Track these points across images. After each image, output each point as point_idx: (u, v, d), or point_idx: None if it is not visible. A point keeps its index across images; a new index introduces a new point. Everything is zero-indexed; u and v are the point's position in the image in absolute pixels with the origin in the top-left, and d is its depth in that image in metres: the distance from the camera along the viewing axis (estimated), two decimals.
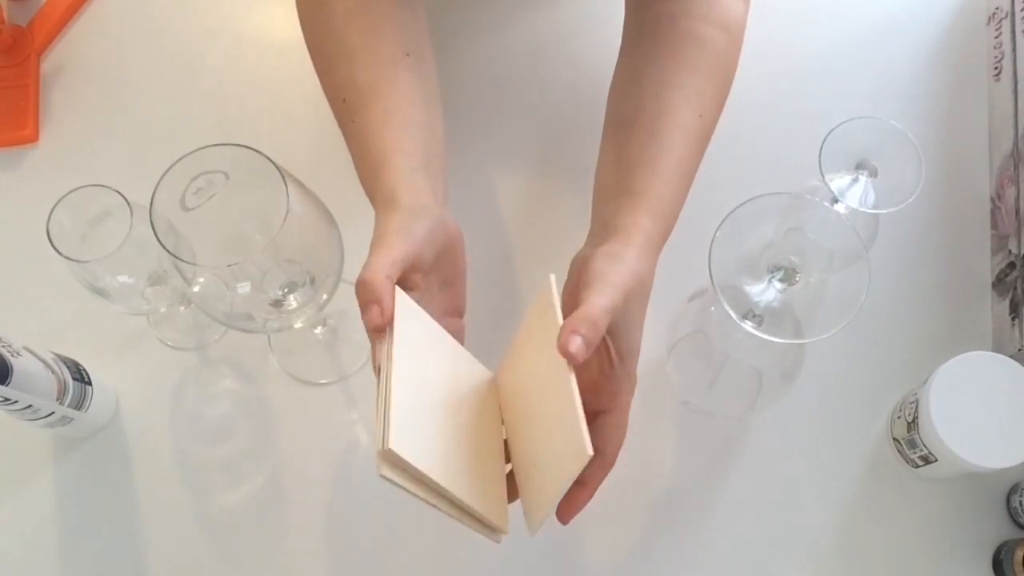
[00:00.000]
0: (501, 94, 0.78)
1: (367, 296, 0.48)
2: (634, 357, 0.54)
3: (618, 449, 0.53)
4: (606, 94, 0.64)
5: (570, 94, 0.78)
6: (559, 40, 0.80)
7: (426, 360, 0.51)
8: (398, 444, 0.43)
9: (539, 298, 0.54)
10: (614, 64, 0.64)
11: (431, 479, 0.45)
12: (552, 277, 0.54)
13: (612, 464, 0.53)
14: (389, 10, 0.60)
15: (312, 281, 0.55)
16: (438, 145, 0.59)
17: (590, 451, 0.45)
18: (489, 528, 0.51)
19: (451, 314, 0.57)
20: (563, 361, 0.48)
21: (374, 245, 0.50)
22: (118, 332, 0.70)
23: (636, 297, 0.53)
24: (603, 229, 0.57)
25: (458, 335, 0.56)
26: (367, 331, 0.48)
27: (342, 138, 0.77)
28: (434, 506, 0.47)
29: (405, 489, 0.45)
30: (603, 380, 0.54)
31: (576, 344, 0.47)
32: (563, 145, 0.76)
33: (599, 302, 0.49)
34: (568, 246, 0.58)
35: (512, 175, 0.75)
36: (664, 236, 0.58)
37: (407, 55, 0.59)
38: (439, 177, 0.57)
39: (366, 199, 0.57)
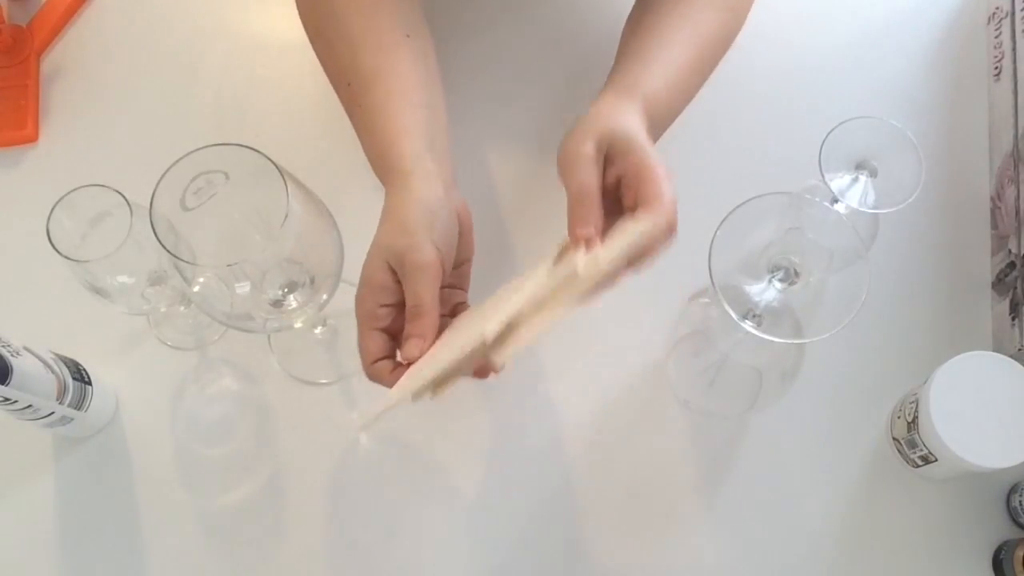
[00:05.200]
0: (499, 80, 0.78)
1: (420, 331, 0.53)
2: (656, 169, 0.53)
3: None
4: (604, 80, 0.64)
5: (568, 81, 0.78)
6: (558, 27, 0.80)
7: (456, 327, 0.55)
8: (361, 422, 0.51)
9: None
10: (613, 52, 0.65)
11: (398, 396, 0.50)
12: None
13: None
14: None
15: (312, 281, 0.55)
16: (441, 124, 0.61)
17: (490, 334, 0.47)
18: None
19: (457, 287, 0.59)
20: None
21: (410, 260, 0.53)
22: (118, 332, 0.70)
23: (617, 123, 0.54)
24: None
25: (460, 308, 0.59)
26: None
27: (342, 138, 0.77)
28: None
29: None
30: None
31: (585, 230, 0.51)
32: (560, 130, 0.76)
33: (573, 180, 0.53)
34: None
35: (510, 159, 0.76)
36: (647, 103, 0.58)
37: (408, 36, 0.61)
38: (445, 156, 0.59)
39: (366, 199, 0.58)
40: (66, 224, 0.57)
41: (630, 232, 0.51)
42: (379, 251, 0.54)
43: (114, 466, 0.66)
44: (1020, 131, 0.69)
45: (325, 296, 0.56)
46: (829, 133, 0.61)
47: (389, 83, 0.59)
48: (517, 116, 0.77)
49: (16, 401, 0.56)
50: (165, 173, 0.49)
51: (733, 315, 0.53)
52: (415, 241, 0.53)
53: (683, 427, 0.67)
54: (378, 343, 0.54)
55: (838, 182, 0.62)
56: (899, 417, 0.64)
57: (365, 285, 0.54)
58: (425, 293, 0.53)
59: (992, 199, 0.73)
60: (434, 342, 0.53)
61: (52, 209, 0.56)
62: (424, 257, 0.53)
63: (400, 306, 0.54)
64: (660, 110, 0.59)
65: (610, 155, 0.54)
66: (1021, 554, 0.60)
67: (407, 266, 0.53)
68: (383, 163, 0.58)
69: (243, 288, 0.53)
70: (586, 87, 0.66)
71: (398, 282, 0.54)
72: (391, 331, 0.55)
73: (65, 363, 0.61)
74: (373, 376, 0.55)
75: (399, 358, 0.54)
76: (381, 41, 0.60)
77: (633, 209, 0.52)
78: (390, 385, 0.53)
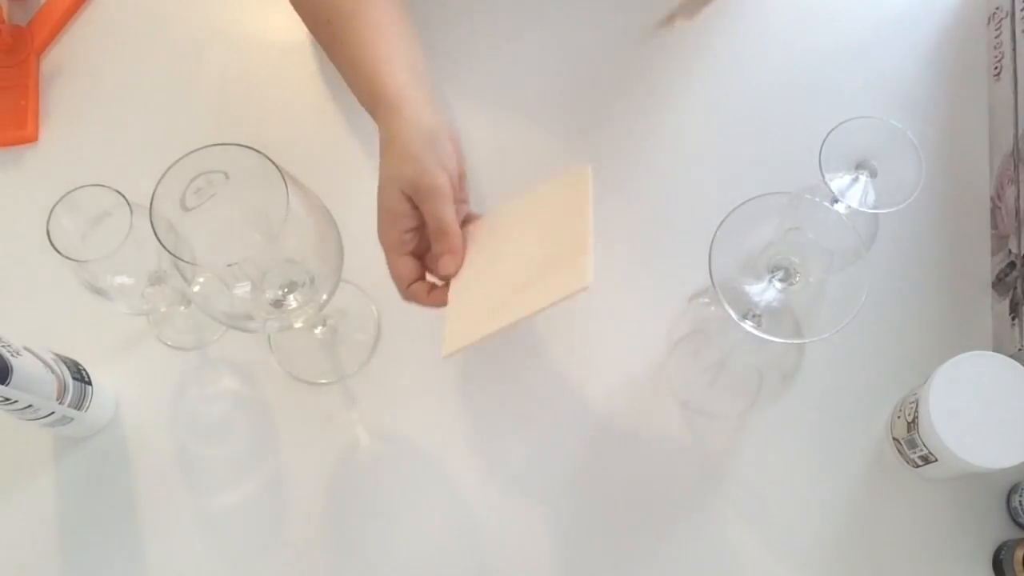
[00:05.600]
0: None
1: (449, 247, 0.58)
2: None
3: None
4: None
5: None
6: None
7: (491, 241, 0.60)
8: (445, 351, 0.55)
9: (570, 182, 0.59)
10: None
11: (488, 334, 0.54)
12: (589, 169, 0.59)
13: None
14: None
15: (312, 281, 0.55)
16: (419, 49, 0.64)
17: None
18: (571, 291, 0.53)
19: (461, 201, 0.62)
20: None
21: (425, 185, 0.57)
22: (118, 332, 0.70)
23: None
24: None
25: (471, 218, 0.62)
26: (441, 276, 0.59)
27: (342, 138, 0.77)
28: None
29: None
30: None
31: None
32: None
33: None
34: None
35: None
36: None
37: None
38: (426, 80, 0.62)
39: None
40: (66, 224, 0.57)
41: None
42: (392, 182, 0.58)
43: (114, 466, 0.66)
44: (1020, 131, 0.69)
45: (325, 296, 0.56)
46: (829, 133, 0.61)
47: (368, 17, 0.61)
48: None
49: (16, 401, 0.56)
50: (165, 173, 0.49)
51: (733, 315, 0.53)
52: (424, 166, 0.57)
53: (683, 427, 0.67)
54: (409, 267, 0.59)
55: (838, 182, 0.62)
56: (899, 417, 0.64)
57: (385, 216, 0.58)
58: (445, 213, 0.57)
59: (992, 199, 0.73)
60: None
61: (52, 209, 0.56)
62: (436, 180, 0.57)
63: (419, 229, 0.58)
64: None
65: None
66: (1021, 554, 0.60)
67: (423, 191, 0.57)
68: (372, 96, 0.60)
69: (243, 288, 0.53)
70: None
71: (415, 207, 0.58)
72: (415, 254, 0.59)
73: (65, 363, 0.61)
74: (412, 298, 0.59)
75: (428, 279, 0.60)
76: None
77: None
78: (428, 304, 0.59)
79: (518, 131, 0.76)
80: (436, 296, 0.59)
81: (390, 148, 0.58)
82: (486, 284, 0.58)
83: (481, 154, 0.74)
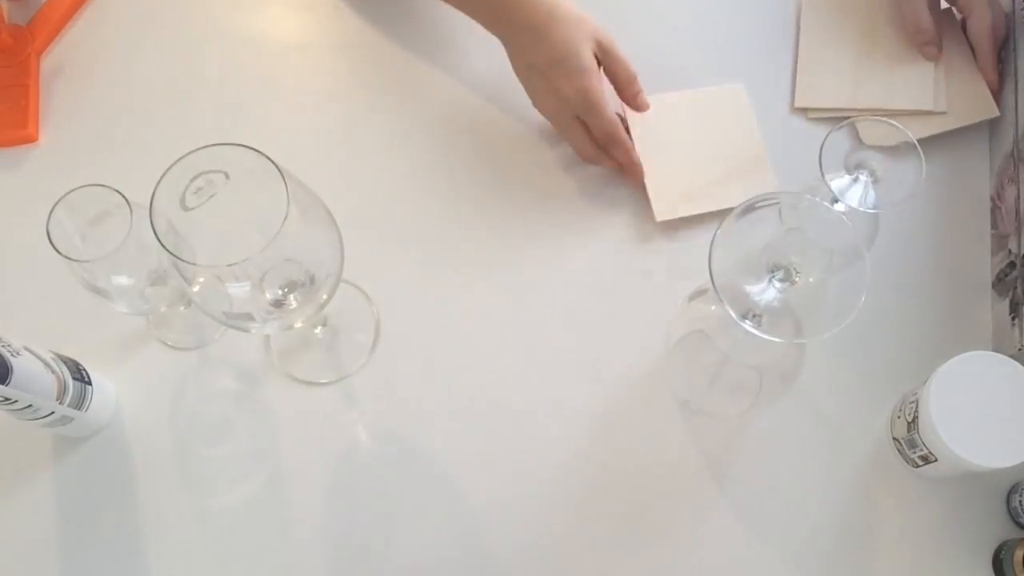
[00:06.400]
0: None
1: (640, 87, 0.71)
2: None
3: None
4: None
5: None
6: None
7: (667, 127, 0.73)
8: (660, 215, 0.70)
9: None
10: None
11: (696, 214, 0.70)
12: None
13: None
14: None
15: (312, 281, 0.55)
16: None
17: None
18: None
19: None
20: None
21: (608, 39, 0.69)
22: (118, 332, 0.70)
23: None
24: None
25: None
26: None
27: (342, 138, 0.77)
28: None
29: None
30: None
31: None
32: None
33: None
34: None
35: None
36: None
37: None
38: None
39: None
40: (66, 224, 0.57)
41: None
42: (585, 43, 0.67)
43: (114, 466, 0.66)
44: (1020, 131, 0.69)
45: (325, 296, 0.56)
46: (829, 133, 0.61)
47: None
48: None
49: (16, 401, 0.56)
50: (165, 173, 0.49)
51: (733, 315, 0.53)
52: (597, 25, 0.68)
53: (683, 427, 0.67)
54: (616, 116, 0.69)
55: (838, 182, 0.62)
56: (899, 417, 0.64)
57: (594, 74, 0.68)
58: (624, 58, 0.69)
59: (992, 199, 0.73)
60: None
61: (52, 209, 0.56)
62: (609, 33, 0.68)
63: None
64: None
65: None
66: (1021, 554, 0.60)
67: (605, 43, 0.69)
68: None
69: (243, 288, 0.52)
70: None
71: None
72: None
73: (65, 363, 0.61)
74: (624, 145, 0.69)
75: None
76: None
77: None
78: (628, 161, 0.70)
79: None
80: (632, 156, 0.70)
81: (559, 17, 0.67)
82: (677, 168, 0.71)
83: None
